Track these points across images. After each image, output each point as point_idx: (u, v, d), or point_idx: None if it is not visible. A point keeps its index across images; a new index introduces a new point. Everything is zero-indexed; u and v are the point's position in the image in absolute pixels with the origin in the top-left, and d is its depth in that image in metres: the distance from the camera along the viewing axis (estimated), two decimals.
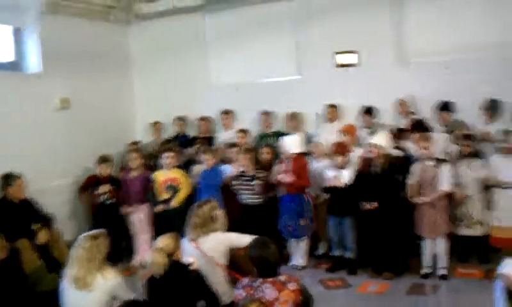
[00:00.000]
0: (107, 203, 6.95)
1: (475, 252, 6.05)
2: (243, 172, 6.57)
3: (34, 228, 5.67)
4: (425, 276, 5.75)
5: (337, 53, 7.54)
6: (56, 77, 7.27)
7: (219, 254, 4.72)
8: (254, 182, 6.45)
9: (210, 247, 4.68)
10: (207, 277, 4.20)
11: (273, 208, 6.48)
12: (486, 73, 6.66)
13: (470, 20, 6.84)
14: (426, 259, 5.83)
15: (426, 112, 6.92)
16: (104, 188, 6.93)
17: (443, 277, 5.66)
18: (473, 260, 6.02)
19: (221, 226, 4.86)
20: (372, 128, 6.85)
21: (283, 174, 6.23)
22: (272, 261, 3.55)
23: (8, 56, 7.07)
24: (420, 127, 6.38)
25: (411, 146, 6.31)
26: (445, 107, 6.73)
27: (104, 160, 7.09)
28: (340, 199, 5.99)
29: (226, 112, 8.04)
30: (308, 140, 6.99)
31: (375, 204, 5.76)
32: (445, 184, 5.65)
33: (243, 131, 7.57)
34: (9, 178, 5.88)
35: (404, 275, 5.81)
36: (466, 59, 6.79)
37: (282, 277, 3.51)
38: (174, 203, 6.69)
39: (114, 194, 6.97)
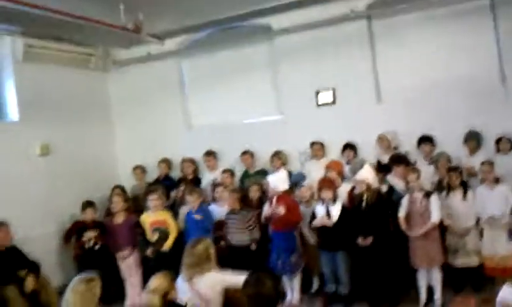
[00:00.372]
0: (95, 248, 6.82)
1: (469, 281, 6.04)
2: (232, 212, 6.53)
3: (21, 274, 5.53)
4: None
5: (318, 92, 7.64)
6: (34, 125, 7.20)
7: (215, 294, 4.62)
8: (251, 220, 6.43)
9: (205, 287, 4.59)
10: None
11: (262, 248, 6.43)
12: (463, 104, 6.83)
13: (439, 55, 7.07)
14: (422, 291, 5.81)
15: (408, 146, 7.02)
16: (90, 234, 6.83)
17: None
18: (468, 290, 6.01)
19: (216, 265, 4.79)
20: (354, 164, 6.87)
21: (276, 207, 6.18)
22: (269, 296, 3.41)
23: None
24: (401, 161, 6.48)
25: (395, 180, 6.37)
26: (426, 139, 6.85)
27: (87, 205, 6.99)
28: (331, 235, 5.96)
29: (209, 154, 8.01)
30: (294, 182, 6.90)
31: (370, 240, 5.75)
32: (435, 216, 5.69)
33: (228, 171, 7.55)
34: None
35: None
36: (438, 94, 6.97)
37: None
38: (165, 247, 6.57)
39: (100, 239, 6.85)
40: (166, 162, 8.21)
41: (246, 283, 3.57)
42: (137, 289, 6.78)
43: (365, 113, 7.35)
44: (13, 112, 7.10)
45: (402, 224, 5.79)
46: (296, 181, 6.84)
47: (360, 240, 5.81)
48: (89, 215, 6.94)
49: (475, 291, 5.91)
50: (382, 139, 7.06)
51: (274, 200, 6.26)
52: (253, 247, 6.41)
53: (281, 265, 6.19)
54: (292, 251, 6.21)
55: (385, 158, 6.94)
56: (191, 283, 4.64)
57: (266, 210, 6.34)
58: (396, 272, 5.84)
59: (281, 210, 6.13)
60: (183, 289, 4.59)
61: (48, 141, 7.42)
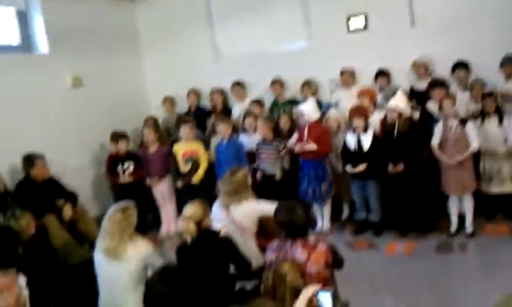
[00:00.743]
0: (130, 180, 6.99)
1: (502, 209, 6.00)
2: (263, 141, 6.55)
3: (59, 204, 5.73)
4: (452, 234, 5.74)
5: (349, 17, 7.42)
6: (64, 57, 7.18)
7: (250, 222, 4.73)
8: (283, 151, 6.44)
9: (241, 215, 4.69)
10: (237, 244, 4.22)
11: (293, 178, 6.47)
12: (499, 28, 6.54)
13: None
14: (453, 218, 5.81)
15: (443, 73, 6.79)
16: (125, 166, 6.97)
17: (471, 234, 5.65)
18: (500, 217, 5.99)
19: (252, 194, 4.87)
20: (388, 92, 6.77)
21: (307, 144, 6.17)
22: (299, 223, 3.53)
23: (14, 39, 6.98)
24: (442, 85, 6.30)
25: (432, 106, 6.24)
26: (460, 65, 6.63)
27: (119, 137, 7.09)
28: (360, 163, 5.95)
29: (237, 84, 7.95)
30: (324, 111, 6.86)
31: (401, 167, 5.72)
32: (474, 143, 5.59)
33: (258, 101, 7.51)
34: (31, 159, 5.89)
35: (430, 235, 5.80)
36: (476, 15, 6.68)
37: (311, 239, 3.51)
38: (195, 180, 6.68)
39: (135, 171, 7.00)
40: (196, 93, 8.19)
41: (278, 210, 3.66)
42: (171, 217, 7.01)
43: (398, 38, 7.10)
44: (42, 44, 7.10)
45: (436, 152, 5.72)
46: (324, 112, 6.78)
47: (390, 167, 5.78)
48: (122, 146, 7.04)
49: (508, 219, 5.89)
50: (417, 65, 6.85)
51: (306, 130, 6.23)
52: (278, 176, 6.45)
53: (311, 193, 6.25)
54: (322, 179, 6.24)
55: (420, 85, 6.78)
56: (227, 210, 4.74)
57: (297, 146, 6.29)
58: (427, 199, 5.84)
59: (313, 146, 6.12)
60: (218, 216, 4.71)
61: (78, 73, 7.44)
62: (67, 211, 5.76)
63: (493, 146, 5.81)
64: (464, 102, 6.24)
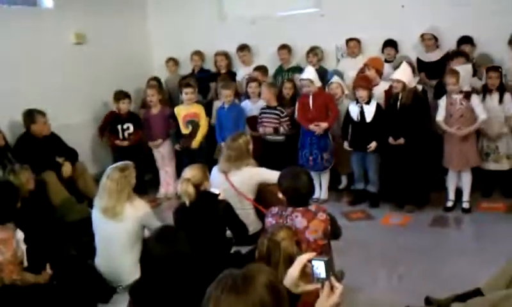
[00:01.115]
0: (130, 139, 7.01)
1: (499, 186, 6.03)
2: (267, 107, 6.53)
3: (59, 161, 5.75)
4: (449, 209, 5.76)
5: None
6: (69, 12, 7.10)
7: (249, 188, 4.77)
8: (285, 118, 6.42)
9: (240, 181, 4.73)
10: (235, 209, 4.25)
11: (294, 144, 6.48)
12: (505, 3, 6.44)
13: None
14: (450, 193, 5.83)
15: (448, 47, 6.73)
16: (124, 126, 6.97)
17: (467, 210, 5.67)
18: (497, 194, 6.02)
19: (253, 160, 4.89)
20: (395, 62, 6.71)
21: (320, 126, 6.16)
22: (303, 191, 3.55)
23: None
24: (461, 54, 6.21)
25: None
26: (466, 40, 6.55)
27: (122, 96, 7.04)
28: (363, 134, 5.94)
29: (243, 48, 7.85)
30: (329, 78, 6.79)
31: (401, 140, 5.72)
32: (482, 114, 5.56)
33: (262, 67, 7.44)
34: (32, 115, 5.90)
35: (426, 209, 5.83)
36: None
37: (312, 207, 3.53)
38: (194, 144, 6.67)
39: (135, 133, 7.00)
40: (199, 54, 8.11)
41: (282, 176, 3.68)
42: (170, 178, 7.04)
43: (407, 8, 7.00)
44: None
45: (444, 126, 5.70)
46: (329, 80, 6.71)
47: (391, 140, 5.78)
48: (124, 106, 7.00)
49: (505, 196, 5.92)
50: (428, 38, 6.74)
51: (310, 100, 6.20)
52: (281, 134, 6.46)
53: (312, 161, 6.26)
54: (324, 148, 6.24)
55: (428, 57, 6.73)
56: (226, 175, 4.77)
57: (314, 127, 6.22)
58: (425, 173, 5.85)
59: (324, 125, 6.11)
60: (217, 181, 4.74)
61: (82, 29, 7.36)
62: (67, 168, 5.80)
63: (491, 124, 5.77)
64: (465, 73, 6.17)
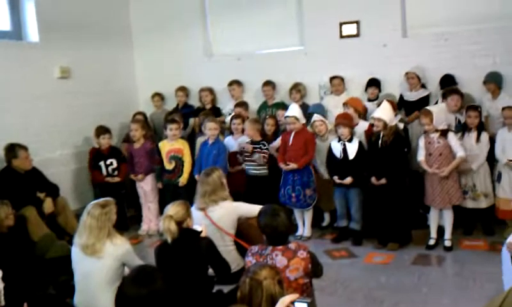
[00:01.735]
0: (113, 174, 6.99)
1: (480, 224, 6.08)
2: (250, 142, 6.56)
3: (40, 196, 5.69)
4: (431, 247, 5.77)
5: (342, 23, 7.45)
6: (54, 47, 7.15)
7: (229, 223, 4.75)
8: (256, 156, 6.45)
9: (219, 216, 4.71)
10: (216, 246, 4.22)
11: (275, 181, 6.47)
12: (485, 44, 6.65)
13: None
14: (432, 231, 5.86)
15: (432, 84, 6.88)
16: (107, 162, 6.95)
17: (449, 248, 5.69)
18: (478, 232, 6.06)
19: (229, 194, 4.88)
20: (379, 100, 6.80)
21: (288, 165, 6.20)
22: (282, 230, 3.54)
23: (4, 25, 6.92)
24: (454, 91, 6.32)
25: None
26: (448, 79, 6.67)
27: (102, 131, 7.05)
28: (346, 172, 5.96)
29: (234, 83, 7.93)
30: (312, 112, 6.85)
31: (383, 181, 5.76)
32: (461, 151, 5.63)
33: (243, 104, 7.52)
34: (14, 149, 5.86)
35: (409, 247, 5.85)
36: (465, 30, 6.77)
37: (292, 245, 3.52)
38: (182, 181, 6.65)
39: (117, 168, 6.99)
40: (184, 90, 8.18)
41: (261, 214, 3.67)
42: (153, 215, 6.99)
43: (389, 48, 7.17)
44: (33, 33, 7.05)
45: (425, 167, 5.75)
46: (314, 112, 6.78)
47: (373, 180, 5.82)
48: (104, 141, 7.00)
49: (486, 234, 5.96)
50: (411, 77, 6.87)
51: (292, 136, 6.24)
52: (248, 148, 6.49)
53: (295, 198, 6.25)
54: (307, 184, 6.25)
55: (412, 96, 6.84)
56: (205, 211, 4.75)
57: (281, 164, 6.28)
58: (408, 211, 5.89)
59: (293, 165, 6.15)
60: (197, 218, 4.71)
61: (68, 64, 7.40)
62: (47, 204, 5.75)
63: (469, 162, 5.86)
64: (442, 112, 6.24)
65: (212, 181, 4.80)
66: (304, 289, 3.45)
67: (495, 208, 5.86)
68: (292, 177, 6.25)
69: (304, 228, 6.45)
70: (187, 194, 6.16)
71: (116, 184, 6.92)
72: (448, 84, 6.63)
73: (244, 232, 4.82)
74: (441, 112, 5.83)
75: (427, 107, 5.94)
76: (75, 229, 4.39)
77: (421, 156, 5.81)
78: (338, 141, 6.04)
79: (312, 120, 6.48)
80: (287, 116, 6.31)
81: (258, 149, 6.48)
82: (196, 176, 6.44)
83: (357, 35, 7.41)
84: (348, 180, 5.92)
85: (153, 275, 2.82)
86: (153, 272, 2.99)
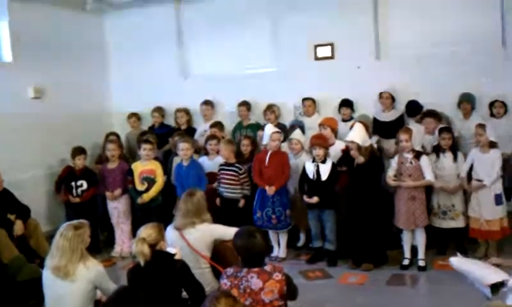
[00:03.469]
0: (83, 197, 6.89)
1: (454, 243, 6.13)
2: (226, 164, 6.54)
3: (11, 218, 5.59)
4: (405, 267, 5.81)
5: (316, 46, 7.55)
6: (28, 67, 7.10)
7: (205, 245, 4.71)
8: (243, 175, 6.43)
9: (196, 238, 4.68)
10: (190, 268, 4.18)
11: (251, 203, 6.45)
12: (459, 67, 6.80)
13: (442, 13, 6.96)
14: (405, 251, 5.90)
15: (402, 106, 7.01)
16: (78, 183, 6.86)
17: (422, 268, 5.74)
18: (452, 252, 6.10)
19: (209, 217, 4.86)
20: (351, 121, 6.88)
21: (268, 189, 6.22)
22: (258, 251, 3.54)
23: None
24: (430, 114, 6.48)
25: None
26: (413, 106, 6.83)
27: (78, 152, 6.96)
28: (319, 192, 5.97)
29: (207, 103, 7.95)
30: (292, 126, 6.97)
31: (315, 199, 5.88)
32: (428, 176, 5.72)
33: (218, 123, 7.52)
34: None
35: (383, 267, 5.87)
36: (439, 53, 6.93)
37: (267, 267, 3.50)
38: (145, 198, 6.56)
39: (88, 189, 6.89)
40: (160, 110, 8.18)
41: (238, 234, 3.67)
42: (126, 236, 6.90)
43: (364, 69, 7.30)
44: (6, 53, 6.99)
45: (391, 182, 5.83)
46: (294, 124, 6.91)
47: (305, 198, 5.95)
48: (79, 162, 6.92)
49: (459, 253, 6.00)
50: (386, 97, 6.98)
51: (268, 157, 6.26)
52: (241, 204, 6.43)
53: (276, 219, 6.24)
54: (287, 205, 6.27)
55: (385, 117, 6.94)
56: (182, 232, 4.71)
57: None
58: (382, 231, 5.92)
59: (272, 189, 6.18)
60: (172, 239, 4.68)
61: (41, 84, 7.33)
62: (18, 226, 5.65)
63: (447, 182, 5.96)
64: (419, 134, 6.35)
65: (196, 201, 4.77)
66: None
67: (468, 227, 5.95)
68: (272, 198, 6.24)
69: (279, 249, 6.43)
70: (158, 216, 6.13)
71: (89, 205, 6.81)
72: (414, 109, 6.78)
73: (220, 254, 4.78)
74: (418, 133, 5.93)
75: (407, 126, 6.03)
76: (47, 252, 4.32)
77: (391, 172, 5.89)
78: (312, 162, 6.05)
79: (291, 137, 6.50)
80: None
81: (236, 178, 6.45)
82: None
83: (332, 57, 7.52)
84: (315, 199, 5.93)
85: (136, 297, 2.80)
86: (135, 293, 2.97)
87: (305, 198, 6.02)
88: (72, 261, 3.90)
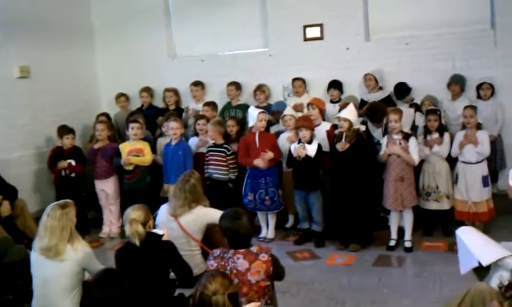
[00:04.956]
0: (71, 175, 6.83)
1: (440, 225, 6.20)
2: (214, 145, 6.53)
3: None
4: (391, 248, 5.86)
5: (305, 26, 7.52)
6: (13, 45, 6.99)
7: (197, 228, 4.73)
8: (231, 156, 6.41)
9: (189, 221, 4.68)
10: (180, 250, 4.19)
11: (239, 184, 6.46)
12: (445, 49, 6.86)
13: None
14: (392, 232, 5.95)
15: (390, 87, 7.03)
16: (63, 163, 6.78)
17: (409, 249, 5.78)
18: (438, 233, 6.18)
19: (204, 199, 4.87)
20: (341, 103, 6.89)
21: (267, 154, 6.16)
22: (243, 233, 3.53)
23: None
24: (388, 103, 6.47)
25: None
26: (401, 87, 6.86)
27: (65, 131, 6.92)
28: (305, 173, 5.99)
29: (197, 84, 7.89)
30: (276, 110, 6.92)
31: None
32: (415, 156, 5.75)
33: (211, 103, 7.47)
34: None
35: (370, 248, 5.92)
36: (426, 35, 6.97)
37: (254, 249, 3.51)
38: (131, 159, 6.51)
39: (76, 167, 6.83)
40: (148, 90, 8.11)
41: (223, 216, 3.68)
42: (115, 217, 6.90)
43: (352, 51, 7.30)
44: None
45: (384, 158, 5.84)
46: (277, 109, 6.86)
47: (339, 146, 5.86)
48: (67, 141, 6.87)
49: (445, 235, 6.08)
50: (369, 79, 7.01)
51: (257, 139, 6.25)
52: (230, 185, 6.44)
53: (269, 200, 6.24)
54: (279, 185, 6.29)
55: (370, 98, 6.93)
56: (176, 215, 4.71)
57: (258, 161, 6.19)
58: (369, 212, 5.97)
59: (270, 154, 6.14)
60: (165, 221, 4.68)
61: (27, 63, 7.23)
62: (4, 207, 5.61)
63: (432, 164, 6.02)
64: (409, 117, 6.38)
65: (192, 187, 4.75)
66: (265, 292, 3.46)
67: (454, 209, 6.00)
68: (264, 180, 6.24)
69: (268, 229, 6.46)
70: (150, 196, 6.13)
71: (76, 186, 6.78)
72: (403, 91, 6.81)
73: (210, 237, 4.80)
74: (408, 116, 5.94)
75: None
76: (34, 232, 4.31)
77: (381, 153, 5.92)
78: (298, 143, 6.05)
79: (284, 113, 6.48)
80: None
81: (223, 159, 6.43)
82: (166, 186, 6.42)
83: (321, 38, 7.50)
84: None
85: (119, 278, 2.81)
86: (118, 274, 2.98)
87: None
88: (62, 239, 3.89)
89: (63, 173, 6.82)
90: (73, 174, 6.83)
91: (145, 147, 6.67)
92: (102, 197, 6.95)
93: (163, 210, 4.87)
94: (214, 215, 4.73)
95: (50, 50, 7.57)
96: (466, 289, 3.18)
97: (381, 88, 7.02)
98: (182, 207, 4.72)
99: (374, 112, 6.36)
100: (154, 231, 4.17)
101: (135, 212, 4.03)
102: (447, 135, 6.05)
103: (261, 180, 6.26)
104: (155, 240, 4.06)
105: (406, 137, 5.82)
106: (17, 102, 7.05)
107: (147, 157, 6.61)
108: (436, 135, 6.01)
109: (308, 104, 6.55)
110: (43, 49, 7.44)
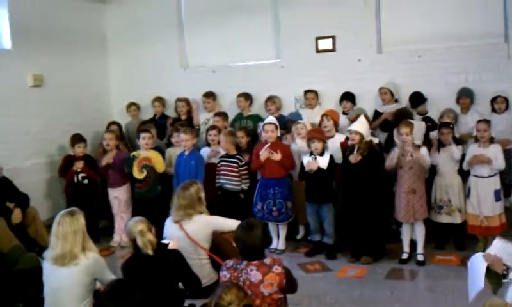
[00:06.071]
0: (83, 182, 6.83)
1: (453, 238, 6.15)
2: (226, 155, 6.53)
3: (9, 206, 5.58)
4: (404, 261, 5.82)
5: (318, 38, 7.53)
6: (27, 54, 7.03)
7: (203, 237, 4.72)
8: (243, 167, 6.41)
9: (194, 230, 4.69)
10: (188, 259, 4.19)
11: (251, 194, 6.44)
12: (457, 62, 6.87)
13: (444, 8, 6.99)
14: (404, 245, 5.91)
15: (403, 101, 7.01)
16: (79, 164, 6.75)
17: (421, 263, 5.74)
18: (450, 247, 6.12)
19: (206, 208, 4.85)
20: (351, 113, 6.87)
21: (271, 153, 6.11)
22: (254, 245, 3.53)
23: None
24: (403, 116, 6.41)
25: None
26: (417, 97, 6.82)
27: (77, 140, 6.93)
28: (318, 186, 5.96)
29: (209, 95, 7.88)
30: (291, 120, 6.88)
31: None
32: (427, 159, 5.75)
33: (222, 114, 7.48)
34: None
35: (382, 261, 5.87)
36: (438, 48, 6.98)
37: (267, 260, 3.50)
38: (143, 154, 6.54)
39: (87, 171, 6.83)
40: (160, 100, 8.12)
41: (239, 226, 3.67)
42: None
43: (364, 63, 7.30)
44: (5, 40, 6.92)
45: (394, 161, 5.79)
46: (292, 119, 6.88)
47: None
48: (79, 150, 6.87)
49: (457, 249, 6.03)
50: (384, 92, 6.99)
51: (267, 147, 6.22)
52: (241, 196, 6.43)
53: (277, 211, 6.21)
54: (288, 197, 6.24)
55: (386, 109, 6.92)
56: (180, 224, 4.71)
57: (263, 151, 6.16)
58: (381, 225, 5.93)
59: (278, 155, 6.11)
60: (171, 230, 4.69)
61: (41, 71, 7.28)
62: (16, 215, 5.63)
63: (445, 177, 6.00)
64: (420, 130, 6.34)
65: (188, 195, 4.77)
66: (278, 304, 3.45)
67: (466, 223, 5.95)
68: (273, 191, 6.21)
69: (278, 241, 6.42)
70: (158, 206, 6.12)
71: (89, 194, 6.80)
72: (418, 100, 6.78)
73: (218, 246, 4.80)
74: (419, 129, 5.91)
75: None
76: (46, 240, 4.32)
77: (389, 163, 5.88)
78: (310, 155, 6.02)
79: (297, 121, 6.50)
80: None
81: (235, 170, 6.43)
82: None
83: (333, 50, 7.51)
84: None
85: (130, 289, 2.81)
86: (130, 285, 2.98)
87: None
88: (76, 244, 3.90)
89: (75, 179, 6.81)
90: (85, 181, 6.83)
91: (157, 156, 6.67)
92: (114, 204, 6.95)
93: (168, 222, 4.88)
94: (220, 223, 4.75)
95: (64, 58, 7.63)
96: (482, 305, 3.14)
97: (396, 101, 7.00)
98: (180, 213, 4.72)
99: (402, 117, 6.24)
100: (164, 241, 4.18)
101: (139, 224, 4.05)
102: (460, 148, 5.98)
103: (270, 190, 6.23)
104: (162, 249, 4.07)
105: (418, 148, 5.78)
106: (30, 110, 7.09)
107: (159, 164, 6.62)
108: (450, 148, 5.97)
109: (323, 115, 6.52)
110: (57, 58, 7.50)
